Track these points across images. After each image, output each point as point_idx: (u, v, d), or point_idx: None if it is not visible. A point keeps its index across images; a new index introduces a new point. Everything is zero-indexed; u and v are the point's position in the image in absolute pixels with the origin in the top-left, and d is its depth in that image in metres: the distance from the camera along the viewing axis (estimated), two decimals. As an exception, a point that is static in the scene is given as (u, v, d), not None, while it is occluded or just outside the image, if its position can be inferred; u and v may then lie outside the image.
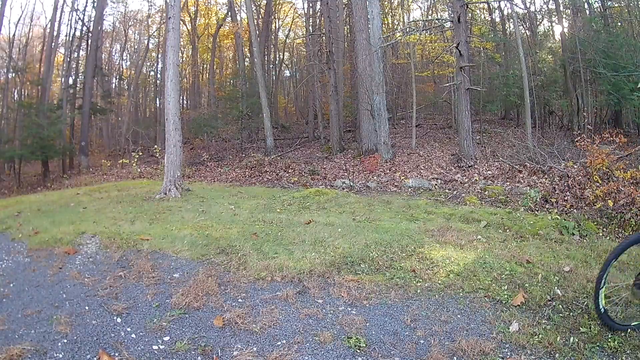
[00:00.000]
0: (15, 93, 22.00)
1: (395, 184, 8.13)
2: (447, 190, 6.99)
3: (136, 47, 25.66)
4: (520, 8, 17.27)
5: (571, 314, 2.36)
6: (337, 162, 11.45)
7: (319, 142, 15.54)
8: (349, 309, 2.47)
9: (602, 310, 2.30)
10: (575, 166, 5.88)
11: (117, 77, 25.22)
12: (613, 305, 2.46)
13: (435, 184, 7.77)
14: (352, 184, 8.08)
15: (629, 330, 2.25)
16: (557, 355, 1.99)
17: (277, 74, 25.33)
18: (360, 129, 12.26)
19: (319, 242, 3.69)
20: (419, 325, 2.29)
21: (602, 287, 2.29)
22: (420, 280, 2.84)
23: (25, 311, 2.43)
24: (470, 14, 13.83)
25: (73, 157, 17.96)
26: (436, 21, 14.94)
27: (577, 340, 2.09)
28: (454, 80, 10.92)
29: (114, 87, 24.38)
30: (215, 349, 2.05)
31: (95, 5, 18.72)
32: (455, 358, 1.99)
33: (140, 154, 14.34)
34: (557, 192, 5.30)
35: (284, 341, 2.13)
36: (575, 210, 4.73)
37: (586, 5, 15.73)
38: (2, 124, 18.13)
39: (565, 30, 16.36)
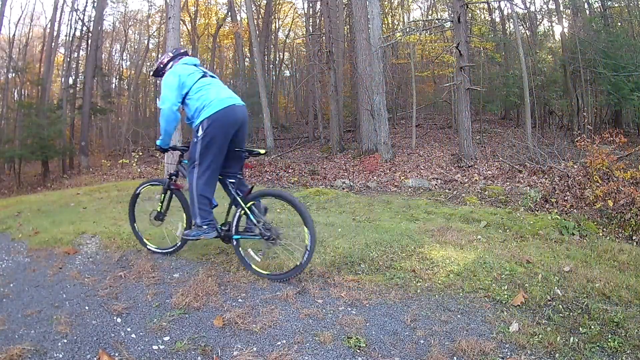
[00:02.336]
0: (15, 93, 22.02)
1: (395, 184, 8.13)
2: (447, 190, 6.99)
3: (136, 47, 25.71)
4: (520, 8, 17.29)
5: (571, 314, 2.36)
6: (337, 162, 11.45)
7: (319, 142, 15.55)
8: (349, 309, 2.47)
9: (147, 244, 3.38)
10: (575, 166, 5.87)
11: (117, 77, 25.25)
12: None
13: (435, 184, 7.77)
14: (352, 184, 8.08)
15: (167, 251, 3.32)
16: (557, 355, 1.99)
17: (277, 74, 25.36)
18: (360, 129, 12.26)
19: (318, 242, 3.68)
20: (419, 325, 2.28)
21: (135, 223, 3.47)
22: (420, 280, 2.84)
23: (25, 311, 2.43)
24: (470, 14, 13.83)
25: (73, 157, 17.98)
26: (436, 21, 14.95)
27: (577, 340, 2.08)
28: (454, 80, 10.92)
29: (114, 87, 24.43)
30: (215, 349, 2.05)
31: (95, 5, 18.75)
32: (455, 358, 1.99)
33: (140, 154, 14.33)
34: (557, 192, 5.29)
35: (284, 341, 2.13)
36: (575, 210, 4.73)
37: (586, 5, 15.76)
38: (2, 124, 18.15)
39: (565, 30, 16.38)
